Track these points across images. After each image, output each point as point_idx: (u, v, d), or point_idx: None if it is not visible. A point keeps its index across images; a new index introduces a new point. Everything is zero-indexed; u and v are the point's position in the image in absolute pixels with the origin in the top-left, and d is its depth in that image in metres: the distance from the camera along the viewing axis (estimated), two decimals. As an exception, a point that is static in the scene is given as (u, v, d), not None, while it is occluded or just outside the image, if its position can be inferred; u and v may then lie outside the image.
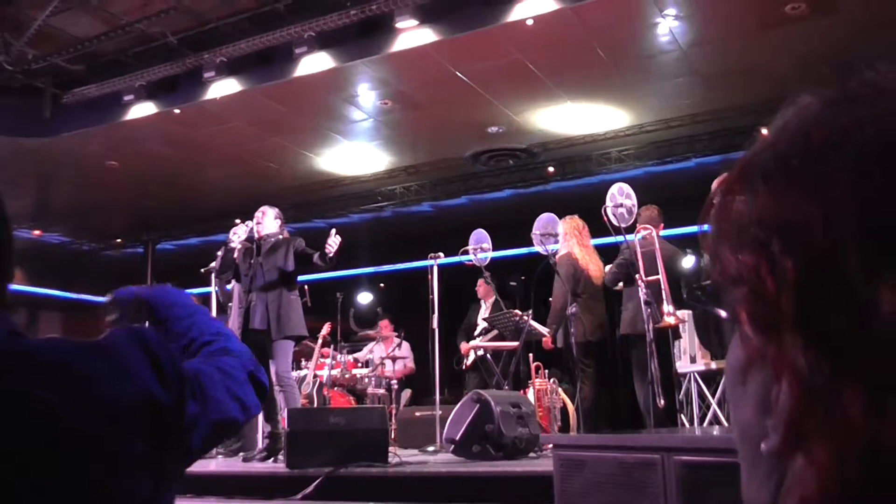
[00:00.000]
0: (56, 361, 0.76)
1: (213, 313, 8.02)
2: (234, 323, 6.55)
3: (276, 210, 6.88)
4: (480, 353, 8.10)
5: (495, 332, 8.09)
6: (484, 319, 8.24)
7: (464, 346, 8.66)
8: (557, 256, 7.19)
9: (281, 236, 6.75)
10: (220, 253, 6.62)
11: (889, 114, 0.46)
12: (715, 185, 6.03)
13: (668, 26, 7.38)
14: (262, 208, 6.82)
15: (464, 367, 8.71)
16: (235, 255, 6.57)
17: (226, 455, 7.58)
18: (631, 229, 6.41)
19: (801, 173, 0.47)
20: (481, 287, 8.87)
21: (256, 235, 6.61)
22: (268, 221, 6.70)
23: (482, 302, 8.93)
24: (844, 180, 0.45)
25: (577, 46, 7.72)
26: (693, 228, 8.41)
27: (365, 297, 13.10)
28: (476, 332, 8.68)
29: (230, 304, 8.27)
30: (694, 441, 2.51)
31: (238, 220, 12.52)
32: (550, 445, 3.59)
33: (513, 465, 5.28)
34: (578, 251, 7.08)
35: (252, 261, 6.52)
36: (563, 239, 7.23)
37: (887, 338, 0.43)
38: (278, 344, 6.26)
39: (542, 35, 7.45)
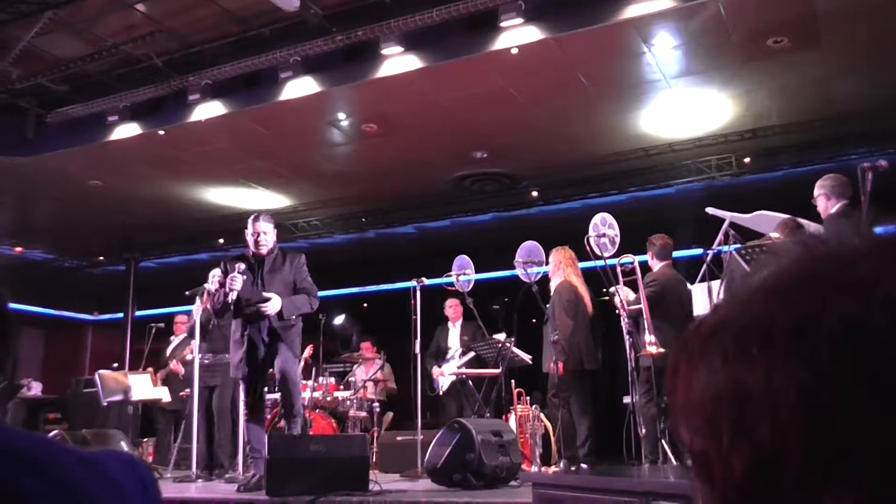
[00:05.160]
0: (47, 458, 0.76)
1: (197, 334, 7.98)
2: (237, 354, 6.13)
3: (272, 220, 6.32)
4: (454, 378, 8.14)
5: (471, 355, 8.11)
6: (469, 347, 8.23)
7: (436, 370, 8.62)
8: (556, 284, 7.24)
9: (277, 247, 6.29)
10: (216, 275, 6.20)
11: (855, 305, 0.45)
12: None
13: (652, 57, 7.45)
14: (260, 226, 6.17)
15: (438, 393, 8.67)
16: (224, 298, 5.99)
17: (206, 479, 7.55)
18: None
19: (758, 363, 0.46)
20: (453, 308, 8.83)
21: (255, 252, 6.14)
22: (270, 238, 6.18)
23: (450, 324, 8.90)
24: (798, 381, 0.44)
25: (561, 75, 7.79)
26: (678, 254, 8.51)
27: (338, 319, 12.99)
28: (449, 356, 8.65)
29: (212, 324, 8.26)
30: (672, 486, 2.53)
31: (221, 241, 12.61)
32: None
33: (493, 495, 5.29)
34: (576, 280, 7.17)
35: (252, 285, 6.03)
36: (557, 267, 7.30)
37: None
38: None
39: (526, 64, 7.51)
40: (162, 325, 9.90)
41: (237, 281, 5.92)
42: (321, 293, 6.38)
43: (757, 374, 0.46)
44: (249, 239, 6.20)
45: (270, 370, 6.21)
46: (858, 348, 0.44)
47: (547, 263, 7.42)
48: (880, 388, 0.42)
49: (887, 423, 0.42)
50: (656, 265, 6.82)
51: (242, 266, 6.01)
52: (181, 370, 9.34)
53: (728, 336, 0.49)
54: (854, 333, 0.44)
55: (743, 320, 0.49)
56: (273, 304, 5.92)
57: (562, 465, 6.54)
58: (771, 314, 0.47)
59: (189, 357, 9.26)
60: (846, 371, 0.43)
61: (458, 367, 8.28)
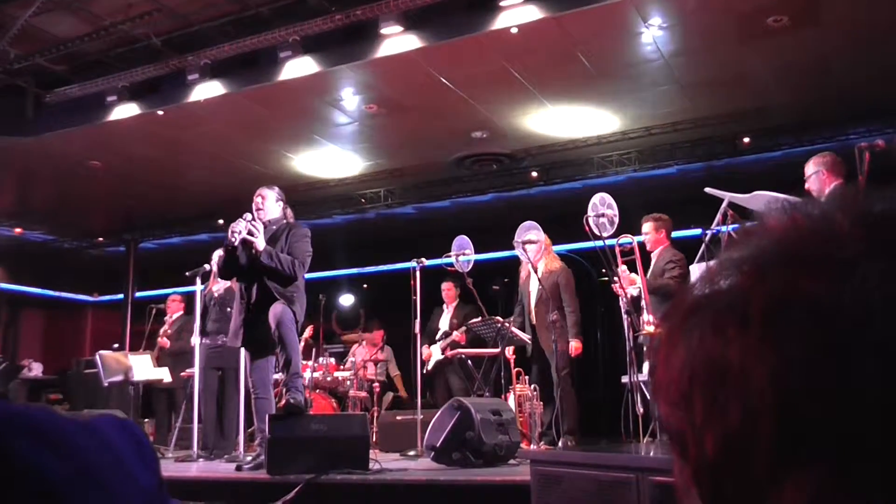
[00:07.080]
0: (51, 427, 0.77)
1: (198, 316, 8.00)
2: (235, 321, 6.14)
3: (277, 191, 6.26)
4: (441, 357, 8.33)
5: (455, 335, 8.21)
6: (467, 326, 8.25)
7: (425, 350, 8.64)
8: (554, 267, 7.34)
9: (284, 221, 6.24)
10: (220, 253, 6.06)
11: (827, 291, 0.44)
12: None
13: (651, 36, 7.42)
14: (260, 191, 6.21)
15: (425, 372, 8.71)
16: (238, 253, 5.93)
17: (207, 459, 7.59)
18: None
19: (732, 344, 0.46)
20: (446, 291, 8.90)
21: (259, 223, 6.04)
22: (269, 205, 6.13)
23: (445, 306, 8.94)
24: (769, 366, 0.44)
25: (561, 54, 7.76)
26: (677, 234, 8.52)
27: (348, 299, 13.11)
28: (437, 336, 8.68)
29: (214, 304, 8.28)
30: (668, 463, 2.54)
31: (221, 221, 12.62)
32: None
33: (492, 474, 5.32)
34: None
35: (253, 252, 5.91)
36: (540, 249, 7.33)
37: None
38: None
39: (526, 43, 7.49)
40: (162, 305, 9.93)
41: (240, 224, 5.88)
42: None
43: (731, 355, 0.46)
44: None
45: (277, 350, 6.18)
46: (827, 336, 0.43)
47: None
48: (846, 379, 0.42)
49: (850, 413, 0.42)
50: (666, 243, 6.83)
51: (248, 215, 5.99)
52: (167, 343, 9.39)
53: (706, 314, 0.48)
54: (824, 321, 0.43)
55: (721, 298, 0.48)
56: (259, 238, 5.84)
57: (560, 443, 6.59)
58: (748, 294, 0.47)
59: (170, 331, 9.40)
60: (814, 359, 0.43)
61: (442, 348, 8.39)
